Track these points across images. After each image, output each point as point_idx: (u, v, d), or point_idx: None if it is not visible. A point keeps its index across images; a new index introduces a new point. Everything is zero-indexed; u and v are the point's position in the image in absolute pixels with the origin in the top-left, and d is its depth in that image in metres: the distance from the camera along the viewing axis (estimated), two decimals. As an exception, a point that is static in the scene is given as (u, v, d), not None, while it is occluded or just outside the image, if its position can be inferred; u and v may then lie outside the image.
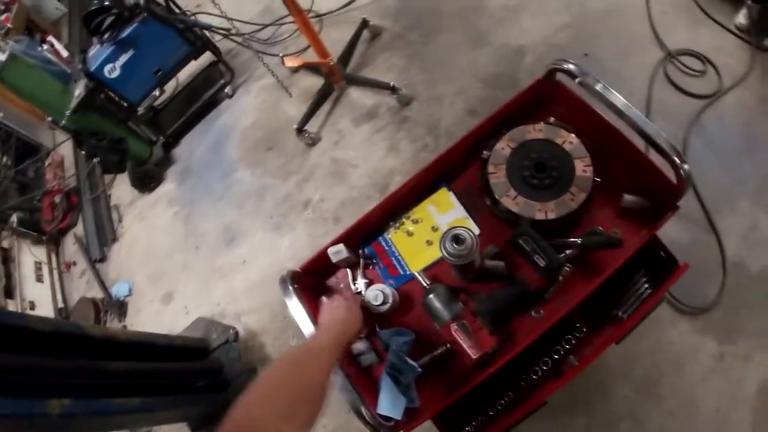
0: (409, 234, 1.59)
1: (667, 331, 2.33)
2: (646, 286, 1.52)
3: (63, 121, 3.45)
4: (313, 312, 1.42)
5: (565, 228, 1.44)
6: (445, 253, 1.26)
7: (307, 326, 1.37)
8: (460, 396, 1.34)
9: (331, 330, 1.22)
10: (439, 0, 3.62)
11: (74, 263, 4.13)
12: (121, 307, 3.57)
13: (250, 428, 0.86)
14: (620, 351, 2.30)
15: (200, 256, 3.53)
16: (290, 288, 1.43)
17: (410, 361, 1.35)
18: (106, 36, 3.32)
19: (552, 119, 1.53)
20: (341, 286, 1.64)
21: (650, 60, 2.91)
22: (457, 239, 1.26)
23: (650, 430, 2.20)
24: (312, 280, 1.62)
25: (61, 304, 3.93)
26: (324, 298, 1.43)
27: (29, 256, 4.00)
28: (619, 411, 2.24)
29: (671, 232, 2.45)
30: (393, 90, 3.20)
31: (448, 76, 3.31)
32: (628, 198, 1.43)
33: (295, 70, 3.77)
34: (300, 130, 3.37)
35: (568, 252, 1.36)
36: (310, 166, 3.43)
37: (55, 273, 4.11)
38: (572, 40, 3.10)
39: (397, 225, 1.62)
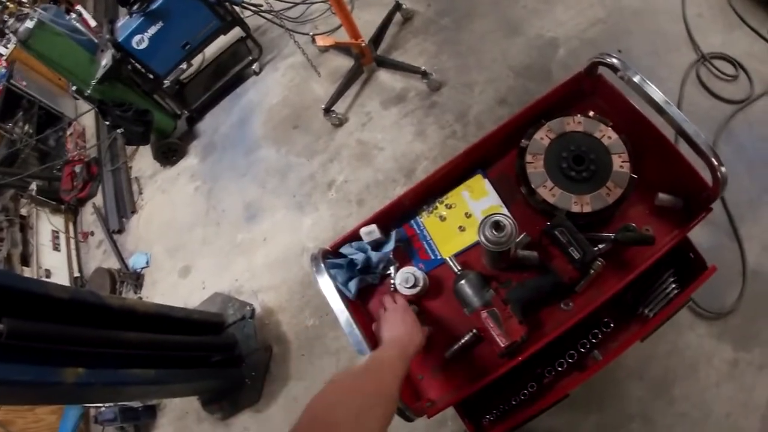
0: (442, 219, 1.59)
1: (685, 334, 2.33)
2: (674, 286, 1.51)
3: (88, 91, 3.47)
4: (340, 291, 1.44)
5: (598, 222, 1.44)
6: (484, 239, 1.26)
7: (336, 303, 1.38)
8: (485, 384, 1.35)
9: (396, 347, 1.22)
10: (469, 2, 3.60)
11: (92, 233, 4.18)
12: (137, 279, 3.61)
13: (326, 428, 0.87)
14: (637, 351, 2.30)
15: (220, 231, 3.55)
16: (322, 265, 1.44)
17: (377, 272, 1.56)
18: (135, 7, 3.31)
19: (591, 113, 1.52)
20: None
21: (683, 61, 2.89)
22: (497, 226, 1.25)
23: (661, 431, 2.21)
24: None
25: (77, 273, 3.97)
26: (381, 311, 1.39)
27: (47, 224, 4.03)
28: (632, 411, 2.26)
29: (694, 234, 2.45)
30: (423, 75, 3.20)
31: (479, 63, 3.30)
32: (662, 197, 1.42)
33: (324, 49, 3.76)
34: (327, 110, 3.38)
35: (601, 246, 1.36)
36: (336, 147, 3.44)
37: (72, 242, 4.17)
38: (606, 35, 3.09)
39: (430, 209, 1.62)
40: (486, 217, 1.27)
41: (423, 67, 3.19)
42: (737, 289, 2.36)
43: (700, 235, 2.44)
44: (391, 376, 1.09)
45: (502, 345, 1.28)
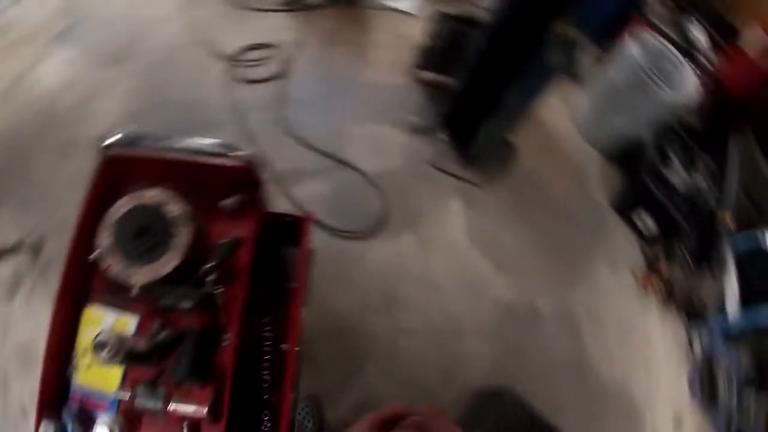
0: (89, 366, 1.57)
1: (358, 263, 2.73)
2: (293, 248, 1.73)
3: None
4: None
5: (197, 263, 1.50)
6: (105, 363, 1.26)
7: None
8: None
9: None
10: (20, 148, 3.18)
11: None
12: None
13: None
14: (342, 305, 2.63)
15: None
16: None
17: None
18: None
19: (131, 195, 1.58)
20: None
21: (216, 75, 3.17)
22: (101, 346, 1.23)
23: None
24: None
25: None
26: None
27: None
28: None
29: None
30: (17, 248, 2.82)
31: (56, 197, 2.95)
32: (223, 203, 1.59)
33: None
34: None
35: (211, 277, 1.47)
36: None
37: None
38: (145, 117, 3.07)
39: (75, 367, 1.58)
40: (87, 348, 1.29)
41: (11, 243, 2.80)
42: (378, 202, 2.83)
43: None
44: None
45: (205, 414, 1.34)
